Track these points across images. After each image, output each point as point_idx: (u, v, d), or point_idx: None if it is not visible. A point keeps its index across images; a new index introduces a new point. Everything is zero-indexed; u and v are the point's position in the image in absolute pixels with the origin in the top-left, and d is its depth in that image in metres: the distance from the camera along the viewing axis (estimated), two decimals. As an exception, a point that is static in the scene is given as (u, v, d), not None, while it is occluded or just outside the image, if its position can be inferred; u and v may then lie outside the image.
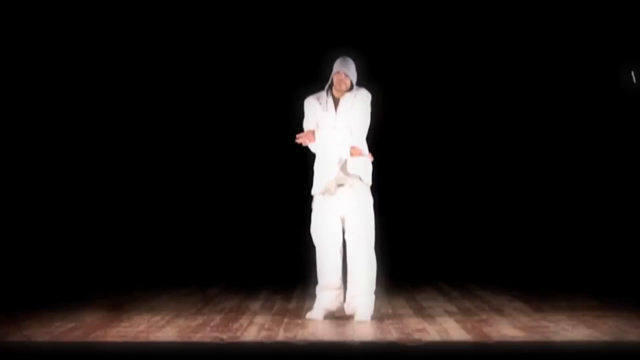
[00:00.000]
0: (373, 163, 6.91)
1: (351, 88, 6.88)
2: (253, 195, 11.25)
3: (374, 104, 6.98)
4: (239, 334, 6.12)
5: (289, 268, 9.93)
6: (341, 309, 6.86)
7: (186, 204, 11.28)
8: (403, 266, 10.36)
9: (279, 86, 10.78)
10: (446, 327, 6.32)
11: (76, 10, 10.60)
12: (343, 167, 6.81)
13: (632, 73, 10.16)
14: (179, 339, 5.93)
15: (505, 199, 11.14)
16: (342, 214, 6.82)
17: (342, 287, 6.89)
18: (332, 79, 6.87)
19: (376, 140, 7.18)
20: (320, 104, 6.89)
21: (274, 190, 11.05)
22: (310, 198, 7.03)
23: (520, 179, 11.14)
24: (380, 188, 7.09)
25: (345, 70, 6.82)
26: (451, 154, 11.27)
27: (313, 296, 7.05)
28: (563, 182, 11.04)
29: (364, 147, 6.85)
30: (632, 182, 10.56)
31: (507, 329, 6.20)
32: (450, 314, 6.99)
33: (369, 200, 6.84)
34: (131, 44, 10.97)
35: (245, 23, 11.02)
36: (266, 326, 6.43)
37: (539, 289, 8.48)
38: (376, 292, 6.80)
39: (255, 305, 7.63)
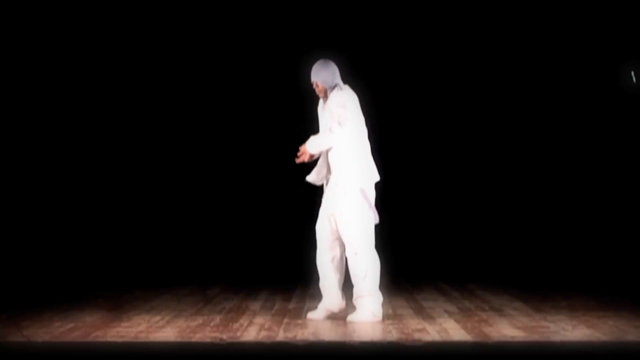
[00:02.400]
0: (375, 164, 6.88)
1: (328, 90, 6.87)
2: (253, 195, 11.26)
3: (356, 99, 6.90)
4: (239, 334, 6.12)
5: (289, 268, 9.93)
6: (344, 309, 6.84)
7: (186, 204, 11.29)
8: (403, 266, 10.36)
9: (280, 88, 10.79)
10: (446, 327, 6.32)
11: (76, 10, 10.60)
12: (322, 166, 6.85)
13: (632, 73, 10.16)
14: (179, 339, 5.92)
15: (505, 199, 11.15)
16: (331, 214, 6.80)
17: (338, 287, 6.86)
18: None
19: (377, 140, 7.16)
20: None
21: (274, 191, 11.06)
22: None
23: (520, 179, 11.15)
24: (382, 188, 7.07)
25: (313, 78, 6.88)
26: (452, 154, 11.28)
27: (313, 296, 7.03)
28: (563, 182, 11.04)
29: (336, 144, 6.79)
30: (632, 182, 10.56)
31: (507, 329, 6.20)
32: (450, 314, 6.99)
33: (352, 200, 6.71)
34: (131, 44, 10.98)
35: (247, 23, 11.02)
36: (266, 326, 6.43)
37: (539, 289, 8.48)
38: (374, 294, 6.71)
39: (255, 305, 7.63)
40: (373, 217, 6.75)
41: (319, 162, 6.92)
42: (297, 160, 6.90)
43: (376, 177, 6.84)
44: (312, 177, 6.94)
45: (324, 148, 6.82)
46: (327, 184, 6.90)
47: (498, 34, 10.91)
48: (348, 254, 6.72)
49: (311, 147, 6.83)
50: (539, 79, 11.00)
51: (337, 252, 6.83)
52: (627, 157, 10.67)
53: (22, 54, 10.58)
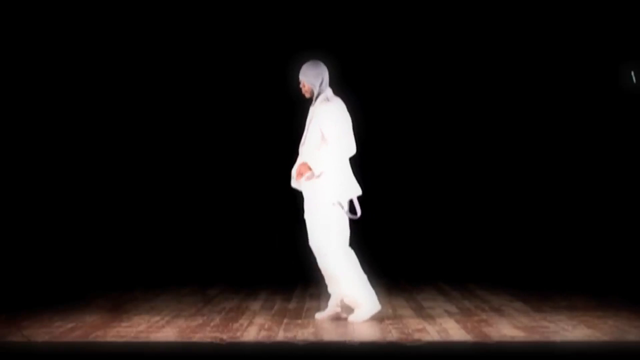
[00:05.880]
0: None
1: (317, 93, 6.81)
2: (253, 195, 11.26)
3: (346, 110, 6.83)
4: (239, 334, 6.12)
5: (289, 268, 9.93)
6: (347, 309, 6.84)
7: (186, 204, 11.29)
8: (403, 266, 10.36)
9: (278, 90, 10.80)
10: (446, 327, 6.32)
11: (76, 10, 10.61)
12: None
13: (632, 73, 10.16)
14: (179, 339, 5.92)
15: (504, 198, 11.15)
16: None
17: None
18: None
19: (378, 141, 7.16)
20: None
21: (274, 191, 11.06)
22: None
23: (520, 179, 11.15)
24: (381, 189, 7.07)
25: (301, 77, 6.84)
26: (451, 154, 11.28)
27: (313, 296, 7.02)
28: (563, 182, 11.04)
29: (317, 161, 6.75)
30: (632, 182, 10.56)
31: (507, 329, 6.20)
32: (450, 314, 6.99)
33: (317, 206, 6.69)
34: (129, 45, 10.98)
35: (242, 23, 11.03)
36: (266, 326, 6.43)
37: (539, 289, 8.48)
38: (350, 294, 6.69)
39: (255, 305, 7.63)
40: (346, 221, 6.73)
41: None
42: (297, 179, 6.78)
43: (357, 192, 6.81)
44: (295, 184, 6.91)
45: (327, 163, 6.70)
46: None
47: (497, 33, 10.91)
48: (317, 256, 6.75)
49: (316, 166, 6.68)
50: (538, 78, 11.00)
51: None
52: (627, 157, 10.67)
53: (22, 54, 10.59)
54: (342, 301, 6.81)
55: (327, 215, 6.69)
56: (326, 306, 6.89)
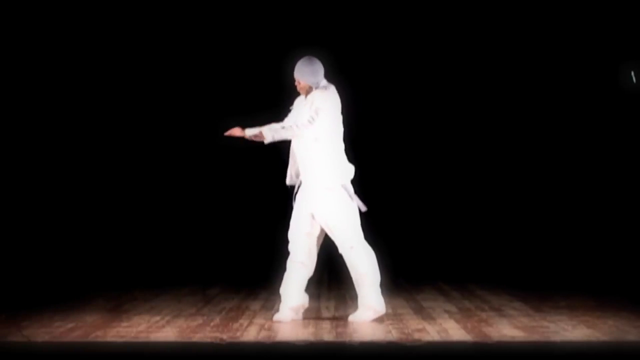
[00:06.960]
0: (355, 163, 6.82)
1: (311, 88, 6.77)
2: (253, 196, 11.26)
3: (338, 101, 6.80)
4: (239, 334, 6.12)
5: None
6: (307, 307, 6.85)
7: (186, 204, 11.30)
8: (403, 266, 10.36)
9: (278, 88, 10.80)
10: (446, 327, 6.32)
11: (76, 10, 10.62)
12: (292, 166, 6.81)
13: (632, 73, 10.17)
14: (179, 339, 5.92)
15: (504, 199, 11.16)
16: (311, 214, 6.75)
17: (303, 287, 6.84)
18: None
19: (378, 140, 7.16)
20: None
21: (274, 191, 11.06)
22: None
23: (520, 179, 11.15)
24: (381, 189, 7.07)
25: (296, 75, 6.78)
26: (451, 155, 11.28)
27: (313, 296, 7.03)
28: (562, 182, 11.05)
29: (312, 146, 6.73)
30: (632, 182, 10.57)
31: (507, 329, 6.20)
32: (450, 314, 6.99)
33: (335, 196, 6.64)
34: (126, 45, 10.99)
35: (238, 20, 11.04)
36: (266, 326, 6.43)
37: (539, 289, 8.48)
38: (376, 284, 6.67)
39: (255, 305, 7.63)
40: (358, 209, 6.69)
41: (290, 163, 6.85)
42: (225, 133, 6.80)
43: (351, 174, 6.78)
44: (290, 180, 6.88)
45: (281, 139, 6.74)
46: (299, 185, 6.83)
47: (496, 31, 10.91)
48: (342, 250, 6.67)
49: (267, 133, 6.71)
50: (538, 78, 11.00)
51: (314, 252, 6.80)
52: (627, 157, 10.68)
53: (22, 54, 10.59)
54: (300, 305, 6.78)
55: (346, 206, 6.64)
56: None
